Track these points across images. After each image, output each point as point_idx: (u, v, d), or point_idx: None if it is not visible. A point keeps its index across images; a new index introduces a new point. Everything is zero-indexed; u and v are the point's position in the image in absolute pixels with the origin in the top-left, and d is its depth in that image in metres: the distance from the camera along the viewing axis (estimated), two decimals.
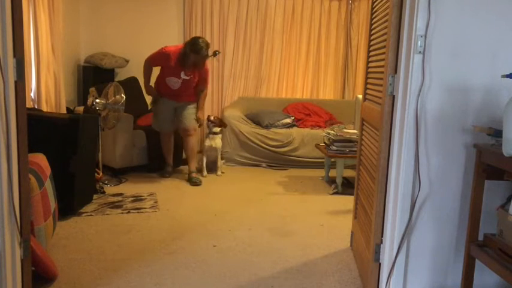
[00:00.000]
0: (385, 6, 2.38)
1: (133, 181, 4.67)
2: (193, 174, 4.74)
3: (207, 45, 4.49)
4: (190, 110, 4.77)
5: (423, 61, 2.01)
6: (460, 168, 2.09)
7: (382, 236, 2.27)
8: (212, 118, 5.12)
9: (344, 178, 4.67)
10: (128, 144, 4.78)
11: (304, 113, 6.02)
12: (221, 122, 5.20)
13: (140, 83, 5.67)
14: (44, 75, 4.57)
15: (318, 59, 6.37)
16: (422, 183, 2.09)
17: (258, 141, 5.47)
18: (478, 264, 1.99)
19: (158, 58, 4.61)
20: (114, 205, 3.87)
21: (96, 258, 2.83)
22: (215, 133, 5.07)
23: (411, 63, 2.02)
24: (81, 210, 3.67)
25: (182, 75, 4.58)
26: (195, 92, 4.79)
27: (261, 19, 6.15)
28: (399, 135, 2.12)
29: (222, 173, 5.12)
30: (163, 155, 4.95)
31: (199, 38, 4.52)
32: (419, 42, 1.99)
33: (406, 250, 2.14)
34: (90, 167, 3.92)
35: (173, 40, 6.09)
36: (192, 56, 4.42)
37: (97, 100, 4.22)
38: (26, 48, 3.75)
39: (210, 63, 6.12)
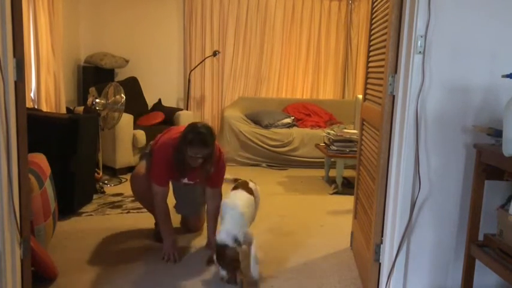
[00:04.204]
0: (385, 6, 2.38)
1: None
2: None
3: (212, 132, 2.78)
4: (197, 197, 3.22)
5: (423, 61, 2.01)
6: (460, 168, 2.09)
7: (382, 236, 2.26)
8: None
9: (344, 178, 4.66)
10: (127, 144, 4.78)
11: (304, 113, 6.02)
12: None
13: (140, 83, 5.67)
14: (44, 75, 4.57)
15: (318, 59, 6.37)
16: (422, 183, 2.09)
17: (258, 141, 5.47)
18: (478, 264, 1.98)
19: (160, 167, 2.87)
20: (114, 205, 3.87)
21: (96, 258, 2.83)
22: None
23: (411, 63, 2.02)
24: (81, 210, 3.67)
25: (184, 180, 3.01)
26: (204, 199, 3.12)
27: (261, 19, 6.15)
28: (399, 135, 2.12)
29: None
30: (159, 225, 2.99)
31: (196, 123, 2.84)
32: (419, 42, 1.99)
33: (406, 250, 2.14)
34: (90, 167, 3.92)
35: (173, 40, 6.10)
36: (189, 150, 2.71)
37: (97, 100, 4.21)
38: (26, 48, 3.74)
39: (210, 63, 6.13)
